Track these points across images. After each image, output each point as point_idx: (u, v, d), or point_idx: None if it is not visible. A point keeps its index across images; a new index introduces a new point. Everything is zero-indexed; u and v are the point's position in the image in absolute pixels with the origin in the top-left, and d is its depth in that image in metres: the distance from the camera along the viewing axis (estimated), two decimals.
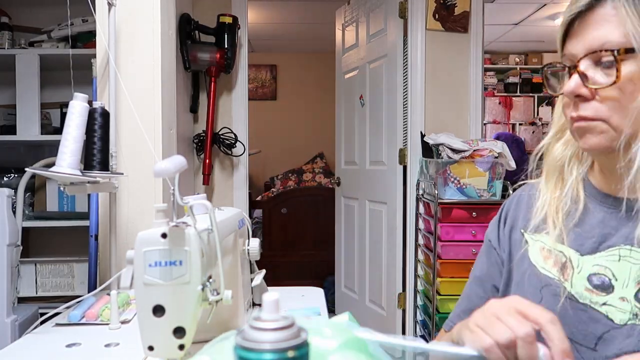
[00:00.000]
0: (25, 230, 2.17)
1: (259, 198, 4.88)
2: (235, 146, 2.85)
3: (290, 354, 0.40)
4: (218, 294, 0.73)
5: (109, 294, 1.17)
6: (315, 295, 1.37)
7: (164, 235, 0.69)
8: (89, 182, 1.22)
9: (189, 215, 0.72)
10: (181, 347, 0.71)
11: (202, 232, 0.72)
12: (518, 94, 5.89)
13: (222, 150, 2.85)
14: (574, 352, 0.69)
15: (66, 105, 1.25)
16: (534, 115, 5.89)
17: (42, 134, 2.19)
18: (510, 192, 0.95)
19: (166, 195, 1.53)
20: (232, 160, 2.94)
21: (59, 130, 2.02)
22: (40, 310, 1.51)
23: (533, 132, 5.78)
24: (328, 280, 3.89)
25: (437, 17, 2.79)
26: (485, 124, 5.36)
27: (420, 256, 2.82)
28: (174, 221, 0.71)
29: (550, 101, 5.96)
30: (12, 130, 2.20)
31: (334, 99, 3.68)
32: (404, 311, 2.90)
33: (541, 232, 0.78)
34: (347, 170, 3.50)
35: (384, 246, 3.02)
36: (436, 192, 2.41)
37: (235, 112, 2.93)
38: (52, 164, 1.19)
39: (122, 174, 1.45)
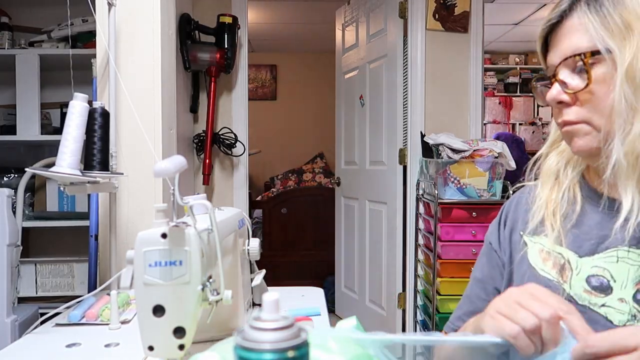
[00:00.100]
0: (25, 230, 2.17)
1: (259, 198, 4.88)
2: (235, 146, 2.85)
3: (290, 354, 0.40)
4: (218, 294, 0.73)
5: (109, 294, 1.17)
6: (315, 295, 1.37)
7: (164, 235, 0.69)
8: (89, 182, 1.22)
9: (189, 215, 0.72)
10: (181, 347, 0.71)
11: (202, 232, 0.72)
12: (518, 94, 5.89)
13: (222, 150, 2.85)
14: None
15: (66, 105, 1.25)
16: (534, 115, 5.89)
17: (42, 134, 2.19)
18: (511, 192, 0.95)
19: (166, 195, 1.53)
20: (232, 160, 2.94)
21: (59, 130, 2.02)
22: (40, 310, 1.51)
23: (533, 132, 5.78)
24: (328, 280, 3.89)
25: (437, 17, 2.80)
26: (485, 124, 5.36)
27: (420, 256, 2.82)
28: (174, 221, 0.71)
29: None
30: (12, 130, 2.20)
31: (334, 99, 3.68)
32: (404, 311, 2.90)
33: (540, 234, 0.78)
34: (347, 170, 3.50)
35: (384, 246, 3.02)
36: (436, 192, 2.41)
37: (235, 112, 2.93)
38: (52, 164, 1.19)
39: (122, 174, 1.45)
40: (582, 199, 0.77)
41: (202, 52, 2.68)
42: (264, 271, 1.15)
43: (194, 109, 2.85)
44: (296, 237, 4.30)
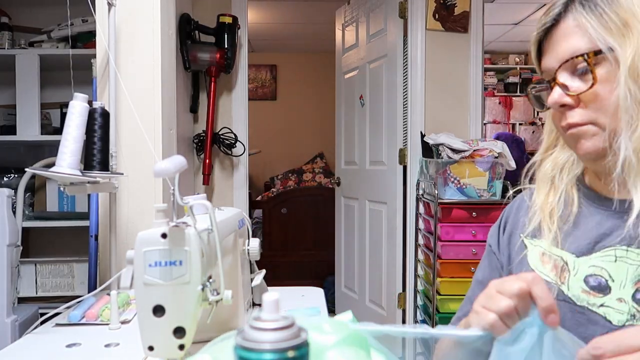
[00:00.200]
0: (25, 230, 2.17)
1: (259, 198, 4.88)
2: (235, 146, 2.85)
3: (290, 354, 0.40)
4: (218, 294, 0.73)
5: (109, 294, 1.17)
6: (315, 295, 1.37)
7: (164, 235, 0.69)
8: (89, 182, 1.22)
9: (189, 215, 0.72)
10: (181, 347, 0.71)
11: (202, 232, 0.72)
12: (518, 94, 5.88)
13: (222, 150, 2.85)
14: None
15: (66, 105, 1.25)
16: (534, 115, 5.89)
17: (42, 134, 2.19)
18: (511, 194, 0.96)
19: (166, 195, 1.53)
20: (232, 160, 2.94)
21: (59, 130, 2.02)
22: (40, 311, 1.51)
23: (533, 132, 5.78)
24: (328, 280, 3.89)
25: (437, 17, 2.80)
26: (485, 124, 5.35)
27: (420, 256, 2.82)
28: (174, 221, 0.71)
29: None
30: (12, 130, 2.20)
31: (334, 99, 3.68)
32: (404, 311, 2.90)
33: (540, 237, 0.79)
34: (347, 170, 3.50)
35: (384, 246, 3.02)
36: (436, 192, 2.41)
37: (235, 112, 2.93)
38: (52, 164, 1.19)
39: (122, 174, 1.45)
40: (580, 201, 0.77)
41: (202, 52, 2.68)
42: (264, 271, 1.15)
43: (194, 109, 2.85)
44: (296, 237, 4.30)
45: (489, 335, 0.60)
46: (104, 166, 1.34)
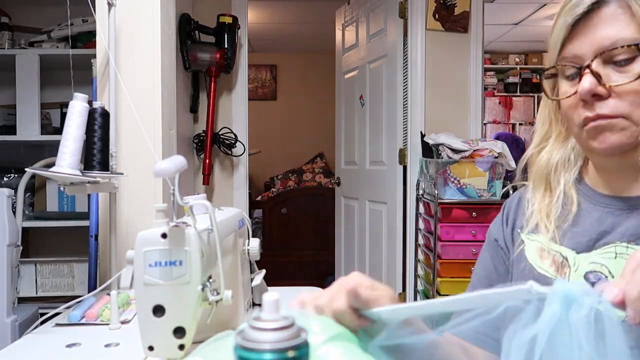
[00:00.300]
0: (25, 230, 2.17)
1: (259, 198, 4.88)
2: (235, 146, 2.85)
3: (290, 354, 0.40)
4: (218, 294, 0.73)
5: (109, 294, 1.17)
6: None
7: (164, 235, 0.69)
8: (89, 182, 1.22)
9: (189, 215, 0.72)
10: (181, 347, 0.71)
11: (202, 232, 0.72)
12: (518, 94, 5.89)
13: (222, 150, 2.85)
14: None
15: (66, 105, 1.25)
16: (534, 115, 5.89)
17: (42, 134, 2.19)
18: (510, 190, 0.95)
19: (166, 195, 1.53)
20: (232, 160, 2.94)
21: (59, 130, 2.02)
22: (40, 311, 1.51)
23: (533, 132, 5.77)
24: (328, 280, 3.89)
25: (437, 17, 2.80)
26: (485, 124, 5.35)
27: (420, 256, 2.82)
28: (174, 221, 0.71)
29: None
30: (12, 130, 2.20)
31: (334, 99, 3.68)
32: None
33: (537, 232, 0.78)
34: (347, 170, 3.50)
35: (384, 246, 3.02)
36: (436, 192, 2.41)
37: (235, 112, 2.93)
38: (52, 164, 1.19)
39: (122, 174, 1.45)
40: (579, 198, 0.77)
41: (202, 52, 2.68)
42: (264, 271, 1.15)
43: (194, 109, 2.85)
44: (296, 237, 4.30)
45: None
46: (104, 166, 1.34)
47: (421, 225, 2.80)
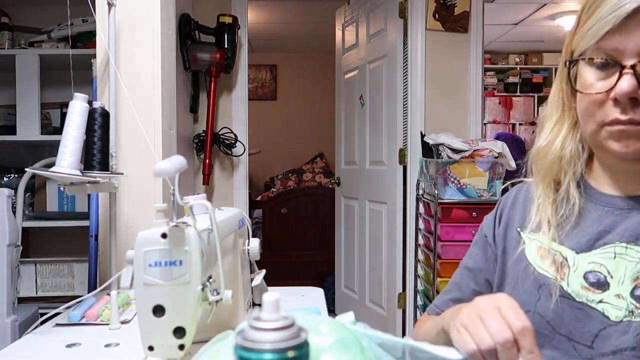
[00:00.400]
0: (25, 230, 2.17)
1: (259, 198, 4.88)
2: (235, 146, 2.85)
3: (290, 354, 0.40)
4: (218, 294, 0.73)
5: (109, 294, 1.17)
6: (315, 295, 1.37)
7: (164, 235, 0.69)
8: (89, 182, 1.22)
9: (189, 215, 0.72)
10: (181, 347, 0.71)
11: (202, 232, 0.72)
12: (518, 94, 5.89)
13: (222, 150, 2.85)
14: (571, 350, 0.70)
15: (66, 105, 1.25)
16: (534, 115, 5.89)
17: (42, 134, 2.19)
18: (508, 184, 0.94)
19: (166, 195, 1.53)
20: (232, 160, 2.94)
21: (59, 130, 2.02)
22: (40, 311, 1.51)
23: (533, 132, 5.78)
24: (328, 280, 3.89)
25: (437, 17, 2.80)
26: (485, 124, 5.36)
27: (420, 256, 2.82)
28: (174, 221, 0.71)
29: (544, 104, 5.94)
30: (12, 130, 2.20)
31: (334, 99, 3.68)
32: (404, 311, 2.90)
33: (538, 232, 0.78)
34: (347, 170, 3.50)
35: (384, 246, 3.02)
36: (436, 192, 2.41)
37: (235, 112, 2.93)
38: (52, 164, 1.19)
39: (122, 174, 1.45)
40: (581, 199, 0.76)
41: (202, 52, 2.68)
42: (264, 271, 1.15)
43: (194, 109, 2.85)
44: (296, 237, 4.30)
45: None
46: (104, 166, 1.34)
47: (421, 225, 2.80)
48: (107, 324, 1.11)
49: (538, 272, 0.76)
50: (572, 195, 0.76)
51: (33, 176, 2.16)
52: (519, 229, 0.82)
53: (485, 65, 3.95)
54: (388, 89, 2.96)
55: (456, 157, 2.41)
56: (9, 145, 2.31)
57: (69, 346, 1.01)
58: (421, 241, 2.80)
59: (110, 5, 1.46)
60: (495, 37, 5.29)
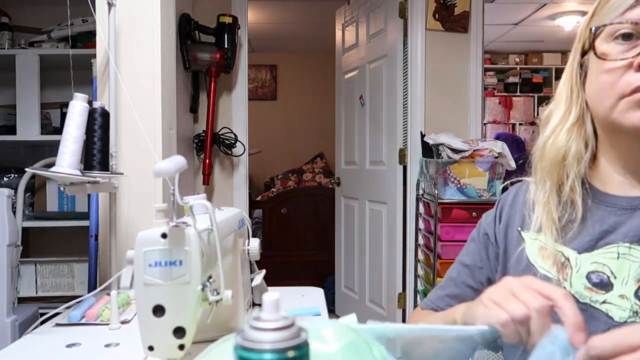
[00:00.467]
0: (25, 230, 2.17)
1: (259, 198, 4.88)
2: (235, 146, 2.85)
3: (290, 354, 0.40)
4: (218, 294, 0.73)
5: (109, 294, 1.17)
6: (315, 295, 1.37)
7: (164, 235, 0.69)
8: (89, 182, 1.22)
9: (189, 215, 0.72)
10: (181, 347, 0.71)
11: (202, 232, 0.72)
12: (518, 94, 5.89)
13: (222, 150, 2.85)
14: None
15: (66, 105, 1.25)
16: (534, 115, 5.90)
17: (42, 134, 2.19)
18: (508, 182, 0.93)
19: (166, 195, 1.53)
20: (232, 160, 2.94)
21: (59, 130, 2.02)
22: (40, 310, 1.51)
23: (533, 132, 5.78)
24: (328, 280, 3.89)
25: (437, 17, 2.80)
26: (485, 124, 5.36)
27: (420, 256, 2.82)
28: (174, 221, 0.71)
29: (550, 101, 5.95)
30: (12, 130, 2.20)
31: (334, 99, 3.68)
32: (404, 311, 2.89)
33: (539, 232, 0.77)
34: (347, 170, 3.50)
35: (384, 246, 3.02)
36: (436, 192, 2.41)
37: (235, 112, 2.93)
38: (52, 164, 1.19)
39: (122, 174, 1.45)
40: (584, 199, 0.75)
41: (202, 52, 2.68)
42: (264, 271, 1.15)
43: (194, 109, 2.85)
44: (296, 237, 4.30)
45: (495, 334, 0.59)
46: (104, 166, 1.34)
47: (421, 225, 2.80)
48: (107, 324, 1.11)
49: (539, 272, 0.75)
50: (576, 197, 0.75)
51: (33, 176, 2.16)
52: (519, 229, 0.81)
53: (485, 65, 3.95)
54: (388, 89, 2.96)
55: (456, 157, 2.41)
56: (9, 145, 2.31)
57: (69, 346, 1.01)
58: (421, 241, 2.80)
59: (110, 5, 1.46)
60: (495, 37, 5.30)
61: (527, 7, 4.43)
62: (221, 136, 2.83)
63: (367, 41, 3.21)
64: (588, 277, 0.71)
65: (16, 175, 2.23)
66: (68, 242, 2.24)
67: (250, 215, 4.13)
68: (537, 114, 5.91)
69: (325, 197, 4.27)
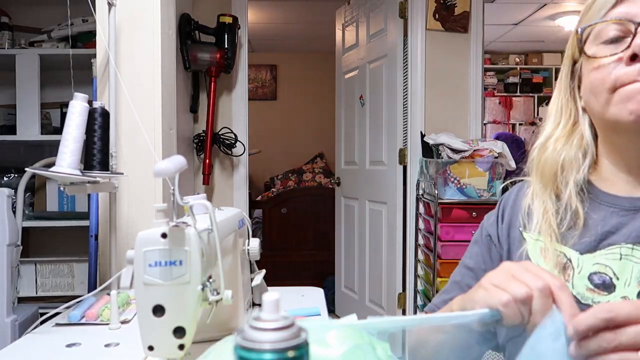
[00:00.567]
0: (25, 230, 2.17)
1: (259, 198, 4.88)
2: (235, 146, 2.85)
3: (290, 354, 0.40)
4: (218, 294, 0.73)
5: (109, 294, 1.17)
6: (315, 295, 1.37)
7: (164, 235, 0.69)
8: (89, 182, 1.22)
9: (189, 215, 0.72)
10: (181, 347, 0.71)
11: (202, 232, 0.72)
12: (518, 94, 5.89)
13: (222, 150, 2.85)
14: None
15: (66, 105, 1.25)
16: (534, 115, 5.90)
17: (42, 134, 2.19)
18: (508, 182, 0.92)
19: (166, 195, 1.53)
20: (232, 160, 2.94)
21: (59, 130, 2.02)
22: (40, 310, 1.51)
23: (533, 132, 5.78)
24: (328, 280, 3.89)
25: (437, 17, 2.80)
26: (485, 124, 5.36)
27: (420, 256, 2.82)
28: (174, 221, 0.71)
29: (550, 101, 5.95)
30: (12, 130, 2.20)
31: (334, 99, 3.68)
32: (404, 311, 2.90)
33: (539, 232, 0.76)
34: (347, 170, 3.50)
35: (384, 246, 3.02)
36: (436, 192, 2.41)
37: (235, 112, 2.93)
38: (52, 164, 1.19)
39: (122, 174, 1.45)
40: (584, 200, 0.74)
41: (202, 52, 2.68)
42: (263, 271, 1.15)
43: (194, 109, 2.85)
44: (296, 237, 4.30)
45: (496, 316, 0.58)
46: (104, 166, 1.34)
47: (421, 225, 2.80)
48: (107, 324, 1.12)
49: None
50: (577, 203, 0.74)
51: (33, 176, 2.16)
52: (521, 229, 0.80)
53: (485, 65, 3.95)
54: (388, 89, 2.96)
55: (456, 157, 2.41)
56: (9, 145, 2.31)
57: (69, 346, 1.01)
58: (421, 241, 2.80)
59: (110, 5, 1.46)
60: (495, 37, 5.30)
61: (527, 7, 4.43)
62: (221, 136, 2.83)
63: (367, 41, 3.21)
64: (590, 279, 0.70)
65: (16, 175, 2.23)
66: (68, 242, 2.24)
67: (250, 215, 4.13)
68: (537, 114, 5.91)
69: (325, 197, 4.27)
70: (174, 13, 1.85)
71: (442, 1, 2.79)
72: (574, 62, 0.76)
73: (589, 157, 0.76)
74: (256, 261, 1.10)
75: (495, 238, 0.85)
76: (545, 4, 4.34)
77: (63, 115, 2.26)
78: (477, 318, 0.60)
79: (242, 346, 0.40)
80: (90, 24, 2.14)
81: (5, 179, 2.23)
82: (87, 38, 2.20)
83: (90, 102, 1.26)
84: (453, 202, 2.41)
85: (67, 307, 1.21)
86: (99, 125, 1.33)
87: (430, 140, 2.57)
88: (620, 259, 0.69)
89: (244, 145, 2.88)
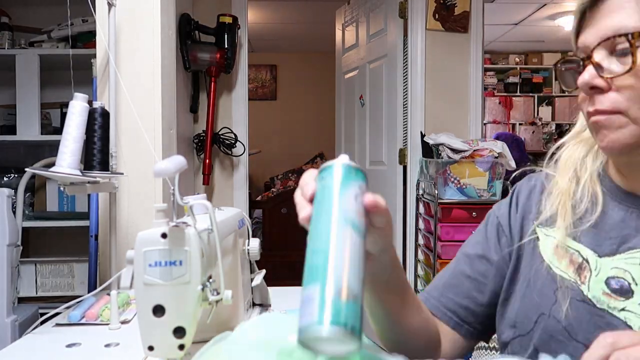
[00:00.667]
0: (25, 230, 2.17)
1: (259, 198, 4.88)
2: (235, 146, 2.85)
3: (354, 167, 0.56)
4: (218, 294, 0.73)
5: (109, 294, 1.17)
6: None
7: (164, 235, 0.69)
8: (89, 182, 1.22)
9: (189, 215, 0.72)
10: (181, 347, 0.71)
11: (202, 232, 0.72)
12: (518, 94, 5.89)
13: (222, 150, 2.85)
14: None
15: (66, 105, 1.25)
16: (534, 115, 5.90)
17: (42, 134, 2.19)
18: (517, 172, 0.90)
19: (166, 195, 1.53)
20: (232, 160, 2.94)
21: (59, 130, 2.02)
22: (40, 310, 1.51)
23: (533, 132, 5.78)
24: None
25: (437, 17, 2.80)
26: (485, 124, 5.36)
27: (420, 256, 2.82)
28: (174, 221, 0.71)
29: (550, 101, 5.96)
30: (12, 130, 2.20)
31: (334, 99, 3.69)
32: None
33: (553, 226, 0.73)
34: None
35: None
36: (436, 192, 2.41)
37: (235, 112, 2.93)
38: (52, 164, 1.19)
39: (122, 174, 1.45)
40: (604, 195, 0.71)
41: (202, 52, 2.68)
42: (263, 271, 1.16)
43: (194, 109, 2.85)
44: (296, 237, 4.29)
45: None
46: (104, 166, 1.34)
47: (421, 225, 2.80)
48: (107, 324, 1.11)
49: (554, 272, 0.71)
50: (593, 188, 0.71)
51: (33, 176, 2.16)
52: (535, 222, 0.76)
53: (485, 65, 3.95)
54: (388, 89, 2.96)
55: (456, 157, 2.41)
56: (9, 145, 2.31)
57: (69, 346, 1.01)
58: (421, 241, 2.80)
59: (110, 5, 1.46)
60: (495, 37, 5.30)
61: (527, 7, 4.43)
62: (221, 136, 2.83)
63: (367, 41, 3.21)
64: (607, 282, 0.67)
65: (16, 175, 2.23)
66: (68, 242, 2.24)
67: (250, 215, 4.13)
68: (537, 114, 5.91)
69: None
70: (174, 13, 1.85)
71: (442, 1, 2.79)
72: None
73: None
74: (256, 261, 1.10)
75: (507, 228, 0.80)
76: (545, 4, 4.34)
77: (63, 115, 2.26)
78: None
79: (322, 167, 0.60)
80: (90, 24, 2.14)
81: (5, 179, 2.23)
82: (87, 38, 2.20)
83: (90, 102, 1.26)
84: (453, 202, 2.41)
85: (67, 307, 1.21)
86: (99, 125, 1.33)
87: (430, 140, 2.57)
88: None
89: (244, 145, 2.88)
